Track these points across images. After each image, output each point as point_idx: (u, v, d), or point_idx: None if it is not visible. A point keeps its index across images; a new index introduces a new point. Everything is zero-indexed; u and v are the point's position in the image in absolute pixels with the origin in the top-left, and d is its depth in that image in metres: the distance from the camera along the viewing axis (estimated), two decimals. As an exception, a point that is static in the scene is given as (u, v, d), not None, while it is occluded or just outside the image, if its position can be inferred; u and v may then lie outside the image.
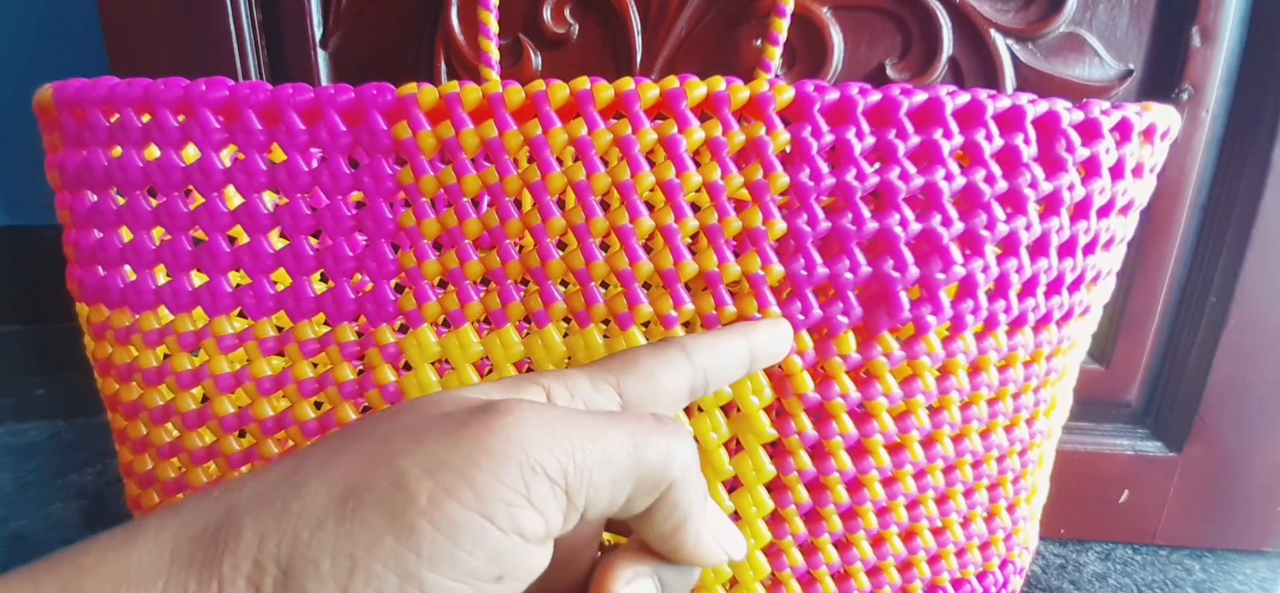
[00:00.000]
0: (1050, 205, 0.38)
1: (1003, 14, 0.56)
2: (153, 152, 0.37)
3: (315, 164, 0.37)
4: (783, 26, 0.49)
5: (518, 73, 0.59)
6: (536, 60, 0.60)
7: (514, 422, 0.25)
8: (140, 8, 0.59)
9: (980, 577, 0.46)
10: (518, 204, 0.37)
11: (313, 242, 0.38)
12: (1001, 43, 0.56)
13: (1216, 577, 0.65)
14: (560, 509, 0.25)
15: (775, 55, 0.50)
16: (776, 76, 0.54)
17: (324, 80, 0.61)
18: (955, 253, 0.37)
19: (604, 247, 0.37)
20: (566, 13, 0.58)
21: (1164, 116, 0.39)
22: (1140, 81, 0.57)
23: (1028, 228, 0.37)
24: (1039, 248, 0.38)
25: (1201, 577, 0.65)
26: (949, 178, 0.36)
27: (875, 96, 0.36)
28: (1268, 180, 0.56)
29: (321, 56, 0.61)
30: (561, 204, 0.37)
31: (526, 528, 0.24)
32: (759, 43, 0.57)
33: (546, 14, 0.58)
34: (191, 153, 0.37)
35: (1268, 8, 0.55)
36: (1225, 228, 0.59)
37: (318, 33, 0.60)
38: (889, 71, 0.58)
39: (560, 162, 0.36)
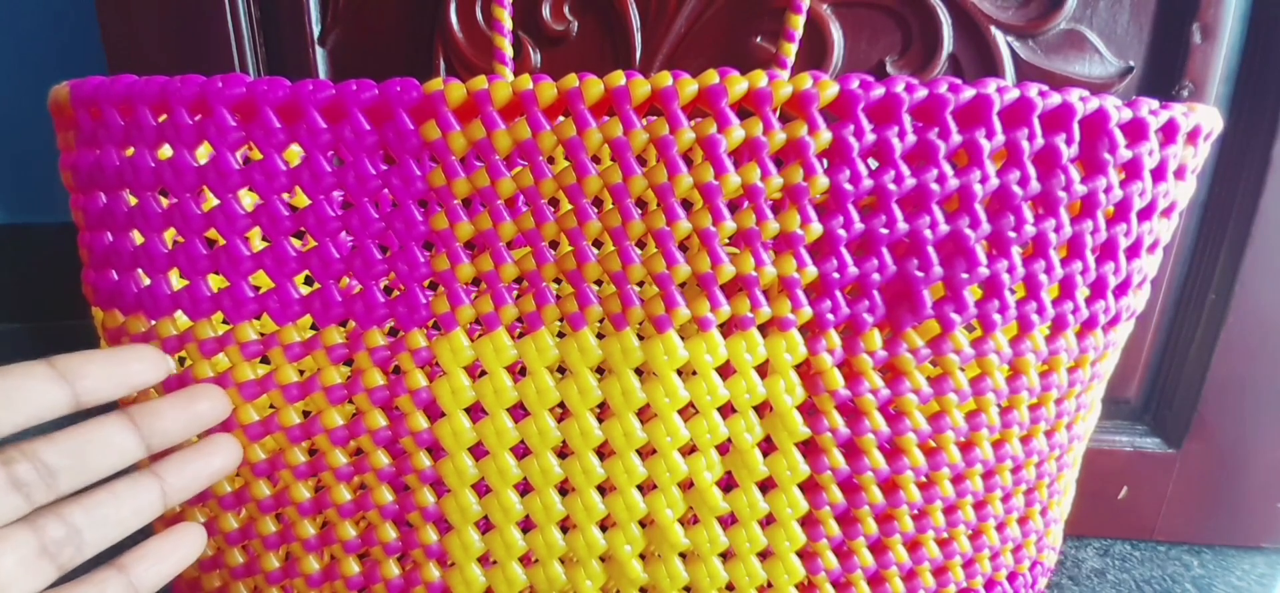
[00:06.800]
0: (1086, 207, 0.37)
1: (1003, 11, 0.55)
2: (165, 151, 0.36)
3: (336, 164, 0.36)
4: (799, 22, 0.49)
5: (517, 70, 0.58)
6: (536, 57, 0.59)
7: None
8: (138, 6, 0.58)
9: (1011, 578, 0.46)
10: (553, 204, 0.36)
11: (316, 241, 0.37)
12: (1001, 40, 0.56)
13: (1215, 573, 0.65)
14: None
15: (791, 51, 0.49)
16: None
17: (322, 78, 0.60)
18: (981, 254, 0.37)
19: (640, 246, 0.37)
20: (565, 10, 0.57)
21: (1208, 118, 0.38)
22: (1140, 78, 0.57)
23: (1058, 229, 0.37)
24: (1073, 250, 0.38)
25: (1200, 573, 0.65)
26: (985, 180, 0.36)
27: (922, 92, 0.35)
28: (1267, 178, 0.57)
29: (320, 54, 0.59)
30: (598, 204, 0.36)
31: None
32: (759, 39, 0.56)
33: (546, 11, 0.57)
34: (205, 152, 0.36)
35: (1268, 5, 0.55)
36: (1225, 225, 0.60)
37: (316, 30, 0.59)
38: (889, 68, 0.57)
39: (597, 161, 0.36)
